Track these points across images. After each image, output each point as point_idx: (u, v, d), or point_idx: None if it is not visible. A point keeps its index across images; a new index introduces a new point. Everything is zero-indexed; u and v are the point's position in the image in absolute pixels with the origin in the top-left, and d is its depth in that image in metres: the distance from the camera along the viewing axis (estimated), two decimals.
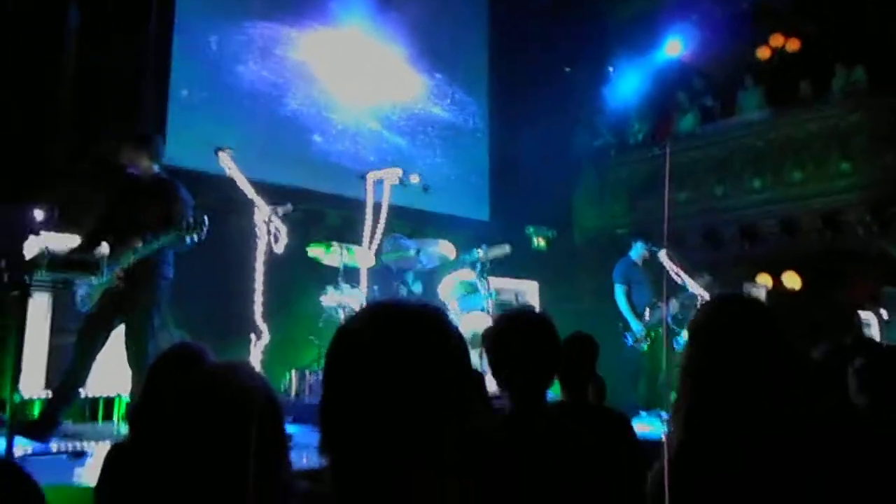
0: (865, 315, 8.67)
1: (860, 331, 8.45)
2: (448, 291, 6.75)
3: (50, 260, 4.05)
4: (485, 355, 2.22)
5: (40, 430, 4.29)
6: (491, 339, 2.17)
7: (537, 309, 3.98)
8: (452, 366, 1.13)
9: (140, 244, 4.45)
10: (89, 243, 4.63)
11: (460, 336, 1.19)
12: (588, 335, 3.41)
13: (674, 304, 6.99)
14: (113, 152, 4.87)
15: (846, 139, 9.13)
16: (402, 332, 1.13)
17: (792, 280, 9.80)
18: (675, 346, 6.61)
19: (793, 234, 9.77)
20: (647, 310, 7.19)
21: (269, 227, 4.99)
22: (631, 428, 3.23)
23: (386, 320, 1.14)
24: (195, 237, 4.39)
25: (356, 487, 1.07)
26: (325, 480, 1.10)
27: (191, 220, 4.53)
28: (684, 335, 5.01)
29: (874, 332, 8.54)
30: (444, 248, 6.71)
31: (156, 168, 4.94)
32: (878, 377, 2.58)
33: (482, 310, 6.60)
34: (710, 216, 10.07)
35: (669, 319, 6.86)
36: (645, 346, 7.06)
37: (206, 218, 4.44)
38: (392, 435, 1.07)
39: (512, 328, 2.15)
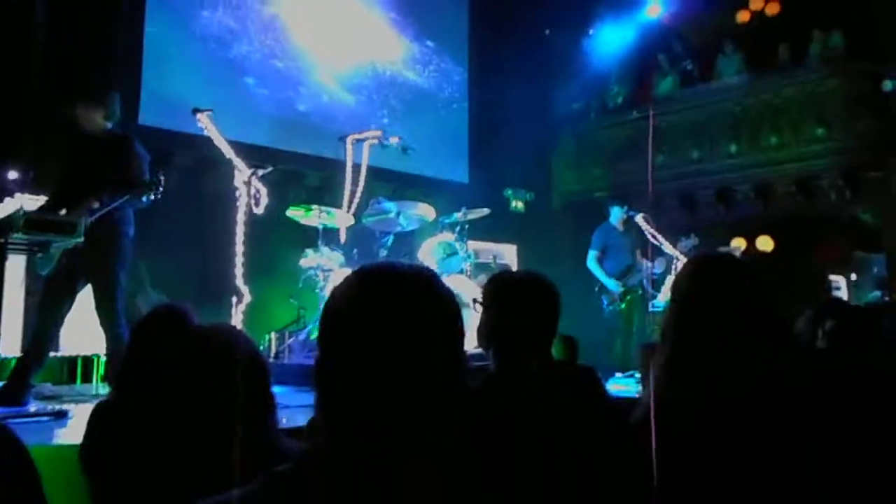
0: (836, 278, 9.21)
1: (830, 294, 8.76)
2: (428, 254, 6.66)
3: (26, 220, 3.88)
4: (476, 312, 2.17)
5: (13, 394, 4.22)
6: (497, 298, 2.11)
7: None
8: (448, 327, 1.13)
9: (97, 204, 4.32)
10: (51, 206, 4.54)
11: (453, 297, 1.18)
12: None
13: (656, 263, 6.95)
14: (72, 112, 4.75)
15: (822, 105, 9.06)
16: (397, 295, 1.12)
17: (765, 243, 9.87)
18: (650, 308, 6.72)
19: (767, 198, 9.79)
20: (626, 271, 7.17)
21: (250, 189, 4.85)
22: (599, 382, 3.25)
23: (379, 284, 1.14)
24: (152, 195, 4.29)
25: (354, 454, 1.07)
26: (316, 437, 1.10)
27: (148, 177, 4.44)
28: (661, 297, 6.02)
29: (843, 294, 8.95)
30: (424, 211, 6.60)
31: (110, 125, 4.82)
32: (847, 338, 2.65)
33: (461, 272, 6.57)
34: (687, 180, 9.99)
35: (645, 282, 6.95)
36: (622, 307, 7.03)
37: (162, 176, 4.32)
38: (390, 399, 1.08)
39: (522, 288, 2.11)
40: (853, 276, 9.10)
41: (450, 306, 1.14)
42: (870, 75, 8.68)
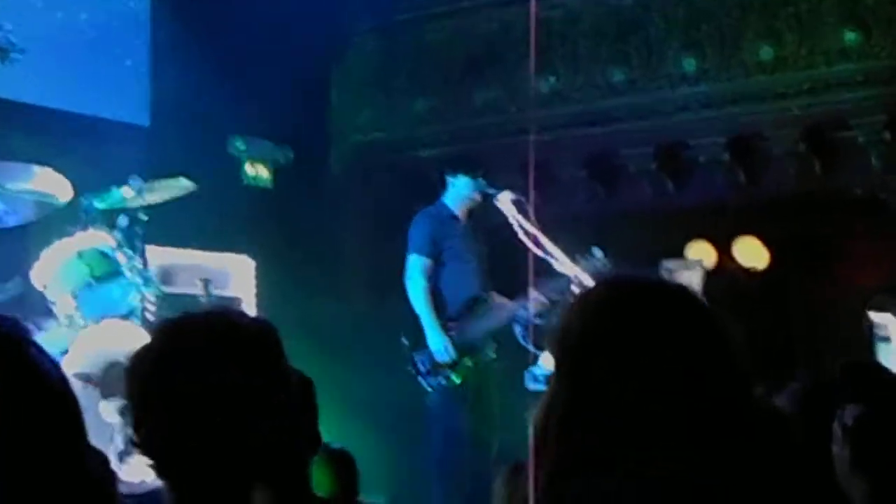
0: (878, 318, 6.78)
1: (870, 348, 6.62)
2: (53, 275, 5.16)
3: None
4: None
5: None
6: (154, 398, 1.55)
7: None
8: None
9: None
10: None
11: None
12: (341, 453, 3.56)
13: (532, 302, 5.31)
14: None
15: None
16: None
17: (751, 252, 7.02)
18: (529, 382, 5.12)
19: (753, 163, 6.97)
20: (469, 309, 5.53)
21: None
22: None
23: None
24: None
25: None
26: None
27: None
28: (544, 361, 5.06)
29: (893, 349, 6.61)
30: (46, 182, 5.28)
31: None
32: (888, 444, 1.89)
33: (130, 314, 5.22)
34: (602, 127, 7.09)
35: (520, 333, 5.42)
36: (456, 378, 5.34)
37: None
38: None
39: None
40: None
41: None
42: None
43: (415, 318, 5.44)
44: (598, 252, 5.33)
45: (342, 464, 3.95)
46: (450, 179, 5.48)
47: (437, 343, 5.29)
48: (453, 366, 5.40)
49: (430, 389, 5.41)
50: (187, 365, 1.21)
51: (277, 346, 1.29)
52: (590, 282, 5.08)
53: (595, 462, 1.27)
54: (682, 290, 1.37)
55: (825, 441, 1.92)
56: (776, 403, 1.94)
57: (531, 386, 5.18)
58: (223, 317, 1.31)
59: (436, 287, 5.47)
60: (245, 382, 1.19)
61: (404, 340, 5.47)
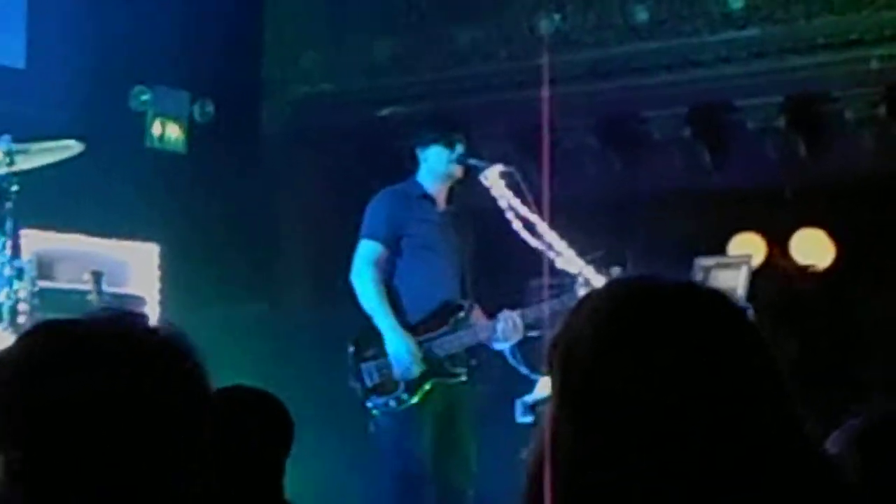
0: None
1: None
2: None
3: None
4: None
5: None
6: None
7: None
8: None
9: None
10: None
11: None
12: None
13: (527, 313, 4.88)
14: None
15: None
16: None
17: (811, 247, 6.16)
18: (519, 412, 4.72)
19: (818, 131, 6.11)
20: (438, 318, 5.01)
21: None
22: None
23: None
24: None
25: None
26: None
27: None
28: (541, 389, 4.75)
29: None
30: None
31: None
32: None
33: None
34: (618, 81, 6.18)
35: (510, 352, 4.97)
36: (409, 400, 4.86)
37: None
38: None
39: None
40: None
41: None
42: None
43: (366, 321, 4.92)
44: (616, 272, 4.64)
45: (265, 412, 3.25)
46: (420, 149, 4.85)
47: (399, 348, 4.75)
48: (412, 390, 4.83)
49: (374, 412, 4.87)
50: (57, 386, 1.09)
51: (187, 362, 1.16)
52: (597, 280, 4.62)
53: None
54: (721, 297, 1.29)
55: (890, 495, 1.84)
56: (833, 443, 1.87)
57: (523, 419, 4.68)
58: (116, 321, 1.17)
59: (390, 283, 4.91)
60: (139, 412, 1.09)
61: (350, 347, 4.90)
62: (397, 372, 4.83)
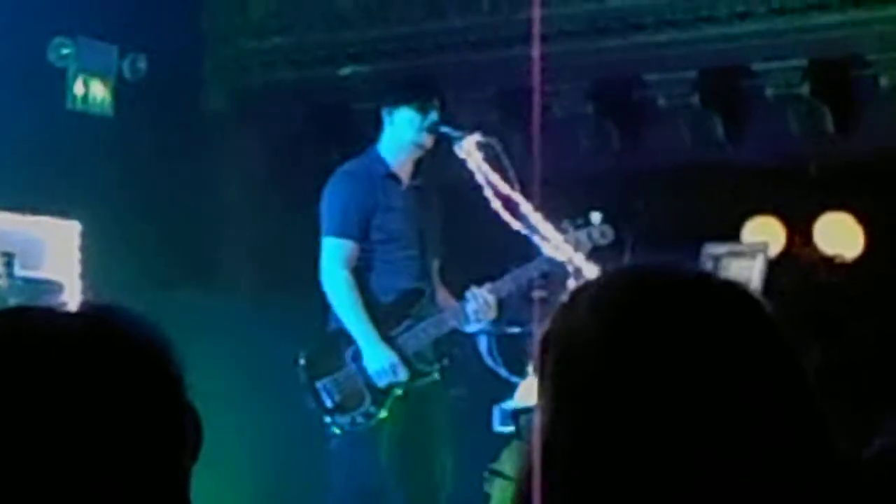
0: None
1: None
2: None
3: None
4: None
5: None
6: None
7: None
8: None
9: None
10: None
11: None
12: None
13: (498, 287, 4.71)
14: None
15: None
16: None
17: (838, 234, 5.86)
18: (498, 423, 4.66)
19: (847, 101, 5.70)
20: (401, 307, 4.87)
21: None
22: None
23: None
24: None
25: None
26: None
27: None
28: (521, 394, 4.64)
29: None
30: None
31: None
32: None
33: None
34: (616, 39, 5.79)
35: (486, 347, 5.15)
36: (379, 415, 4.69)
37: None
38: None
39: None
40: None
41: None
42: None
43: (322, 325, 4.81)
44: (596, 218, 4.52)
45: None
46: (386, 111, 4.62)
47: (380, 361, 4.59)
48: (378, 396, 4.66)
49: (337, 431, 4.69)
50: None
51: (117, 357, 1.05)
52: (588, 267, 4.41)
53: None
54: (734, 289, 1.25)
55: None
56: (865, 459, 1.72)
57: (501, 428, 4.64)
58: (29, 314, 1.07)
59: (362, 280, 4.76)
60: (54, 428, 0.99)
61: (301, 360, 4.67)
62: (380, 384, 4.64)
